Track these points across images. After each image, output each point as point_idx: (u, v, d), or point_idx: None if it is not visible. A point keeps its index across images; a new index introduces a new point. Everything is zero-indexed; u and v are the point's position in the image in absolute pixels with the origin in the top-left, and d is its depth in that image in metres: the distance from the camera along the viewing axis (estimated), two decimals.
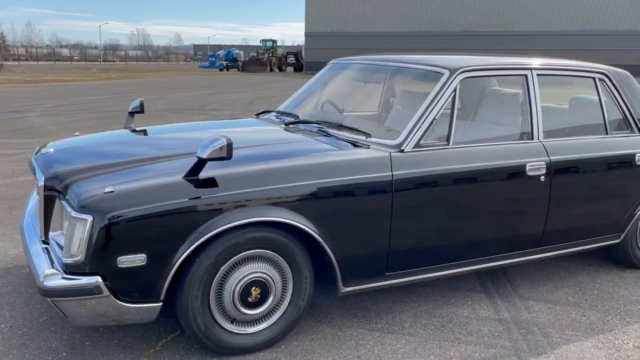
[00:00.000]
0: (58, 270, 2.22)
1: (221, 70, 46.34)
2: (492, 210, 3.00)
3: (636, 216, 3.53)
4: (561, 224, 3.23)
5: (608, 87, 3.49)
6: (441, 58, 3.19)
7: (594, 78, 3.47)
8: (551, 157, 3.11)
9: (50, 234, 2.45)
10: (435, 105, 2.86)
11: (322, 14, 39.06)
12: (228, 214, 2.33)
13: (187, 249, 2.27)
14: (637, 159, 3.42)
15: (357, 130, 2.98)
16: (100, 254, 2.17)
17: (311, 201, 2.50)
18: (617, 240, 3.54)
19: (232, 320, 2.49)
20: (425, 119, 2.83)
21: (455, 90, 2.91)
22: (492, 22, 34.89)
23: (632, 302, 3.24)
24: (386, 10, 36.94)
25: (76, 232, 2.18)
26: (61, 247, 2.33)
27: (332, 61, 3.99)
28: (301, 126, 3.25)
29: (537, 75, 3.22)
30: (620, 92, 3.52)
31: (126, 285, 2.24)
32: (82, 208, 2.18)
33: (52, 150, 2.86)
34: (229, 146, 2.27)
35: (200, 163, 2.31)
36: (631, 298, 3.30)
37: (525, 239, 3.16)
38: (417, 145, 2.79)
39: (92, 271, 2.19)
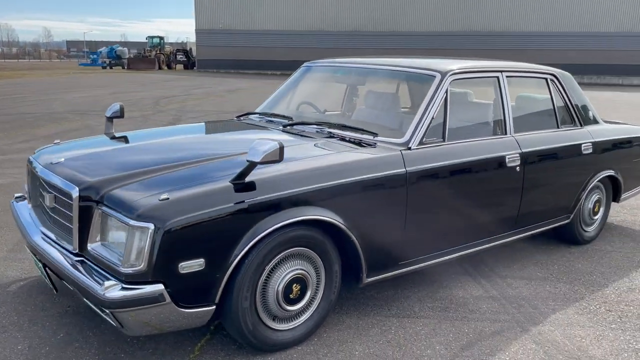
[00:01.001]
0: (115, 281, 2.18)
1: (104, 68, 44.00)
2: (483, 197, 3.34)
3: (582, 199, 4.07)
4: (530, 208, 3.65)
5: (557, 86, 3.98)
6: (430, 61, 3.46)
7: (546, 79, 3.94)
8: (523, 150, 3.51)
9: (90, 245, 2.37)
10: (432, 105, 3.12)
11: (214, 11, 38.39)
12: (276, 215, 2.42)
13: (242, 250, 2.33)
14: (583, 148, 3.94)
15: (362, 130, 3.16)
16: (162, 261, 2.17)
17: (341, 198, 2.65)
18: (567, 221, 4.05)
19: (274, 318, 2.58)
20: (426, 118, 3.08)
21: (447, 91, 3.19)
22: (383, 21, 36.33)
23: (588, 273, 3.75)
24: (282, 8, 37.17)
25: (136, 241, 2.15)
26: (102, 259, 2.28)
27: (307, 64, 4.13)
28: (300, 127, 3.35)
29: (506, 77, 3.61)
30: (566, 90, 4.03)
31: (186, 291, 2.25)
32: (141, 216, 2.16)
33: (63, 159, 2.74)
34: (281, 149, 2.36)
35: (250, 167, 2.37)
36: (586, 270, 3.81)
37: (507, 222, 3.54)
38: (421, 142, 3.04)
39: (154, 279, 2.18)
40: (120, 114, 3.57)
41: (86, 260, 2.39)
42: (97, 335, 2.72)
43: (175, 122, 10.75)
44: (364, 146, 3.02)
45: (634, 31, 33.88)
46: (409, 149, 2.98)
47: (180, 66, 45.11)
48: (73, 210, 2.40)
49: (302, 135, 3.23)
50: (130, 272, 2.17)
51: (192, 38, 44.18)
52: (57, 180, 2.54)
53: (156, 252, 2.15)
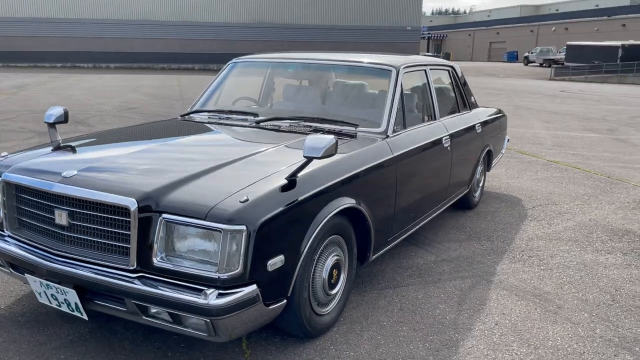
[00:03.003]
0: (204, 291, 2.12)
1: None
2: (433, 173, 3.88)
3: (478, 171, 4.87)
4: (454, 180, 4.30)
5: (453, 76, 4.68)
6: (380, 57, 3.82)
7: (448, 70, 4.60)
8: (449, 132, 4.11)
9: (156, 258, 2.22)
10: (395, 97, 3.50)
11: None
12: (326, 206, 2.58)
13: (308, 242, 2.44)
14: (476, 128, 4.72)
15: (342, 122, 3.40)
16: (255, 262, 2.18)
17: (357, 186, 2.89)
18: (467, 190, 4.81)
19: (318, 303, 2.72)
20: (393, 109, 3.45)
21: (401, 83, 3.60)
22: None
23: (493, 230, 4.55)
24: None
25: (231, 245, 2.13)
26: (182, 269, 2.19)
27: (234, 60, 4.17)
28: (275, 123, 3.44)
29: (430, 69, 4.16)
30: (459, 79, 4.76)
31: (271, 288, 2.29)
32: (233, 220, 2.13)
33: (75, 172, 2.43)
34: (336, 144, 2.50)
35: (307, 162, 2.47)
36: (490, 227, 4.61)
37: (442, 193, 4.13)
38: (393, 130, 3.40)
39: (250, 281, 2.18)
40: (64, 119, 3.22)
41: (147, 275, 2.24)
42: (136, 352, 2.55)
43: None
44: (346, 137, 3.26)
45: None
46: (388, 136, 3.32)
47: None
48: (131, 224, 2.22)
49: (283, 131, 3.33)
50: (226, 277, 2.14)
51: None
52: (99, 195, 2.28)
53: (250, 254, 2.16)
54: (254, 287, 2.19)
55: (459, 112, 4.63)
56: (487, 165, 5.38)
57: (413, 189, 3.55)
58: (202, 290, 2.13)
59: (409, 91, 3.85)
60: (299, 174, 2.48)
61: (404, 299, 3.24)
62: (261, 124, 3.45)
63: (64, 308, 2.44)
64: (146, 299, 2.19)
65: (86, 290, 2.35)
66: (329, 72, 4.00)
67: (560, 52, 45.96)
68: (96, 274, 2.28)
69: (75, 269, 2.33)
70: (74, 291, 2.33)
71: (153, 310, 2.27)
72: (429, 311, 3.09)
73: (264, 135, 3.31)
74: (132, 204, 2.21)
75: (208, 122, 3.63)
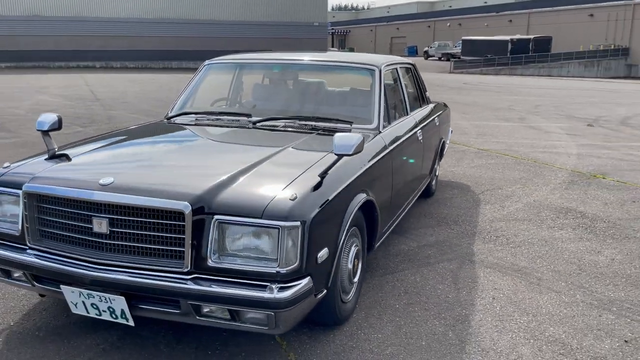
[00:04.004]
0: (269, 285, 2.23)
1: None
2: (413, 164, 4.16)
3: (436, 160, 5.23)
4: (423, 170, 4.62)
5: (414, 73, 4.99)
6: (361, 56, 4.02)
7: (410, 68, 4.90)
8: (419, 126, 4.40)
9: (211, 259, 2.27)
10: (381, 94, 3.72)
11: None
12: (353, 200, 2.75)
13: (343, 235, 2.60)
14: (435, 121, 5.07)
15: (337, 120, 3.56)
16: (309, 255, 2.31)
17: (368, 179, 3.08)
18: (429, 179, 5.15)
19: (343, 292, 2.89)
20: (380, 105, 3.67)
21: (384, 81, 3.83)
22: None
23: (457, 215, 4.92)
24: None
25: (288, 241, 2.24)
26: (240, 267, 2.27)
27: (207, 62, 4.20)
28: (270, 123, 3.54)
29: (399, 68, 4.42)
30: (418, 76, 5.08)
31: (318, 280, 2.42)
32: (289, 217, 2.24)
33: (112, 179, 2.41)
34: (363, 141, 2.67)
35: (338, 160, 2.62)
36: (453, 213, 4.98)
37: (418, 182, 4.43)
38: (383, 126, 3.63)
39: (305, 273, 2.31)
40: (58, 126, 3.13)
41: (201, 276, 2.30)
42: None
43: None
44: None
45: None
46: (380, 132, 3.54)
47: None
48: (186, 228, 2.25)
49: (281, 131, 3.44)
50: (285, 271, 2.25)
51: None
52: (151, 201, 2.28)
53: (306, 248, 2.29)
54: (308, 279, 2.32)
55: (420, 106, 4.95)
56: (440, 155, 5.77)
57: (402, 179, 3.80)
58: (264, 285, 2.23)
59: (387, 88, 4.09)
60: (329, 172, 2.62)
61: (405, 282, 3.48)
62: (258, 124, 3.53)
63: (105, 316, 2.43)
64: (207, 298, 2.25)
65: (132, 296, 2.36)
66: (315, 72, 4.14)
67: (456, 47, 48.71)
68: (149, 279, 2.30)
69: (124, 275, 2.33)
70: (122, 298, 2.33)
71: (206, 309, 2.33)
72: (431, 292, 3.35)
73: (270, 136, 3.39)
74: (186, 207, 2.25)
75: (207, 125, 3.64)
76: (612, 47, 44.43)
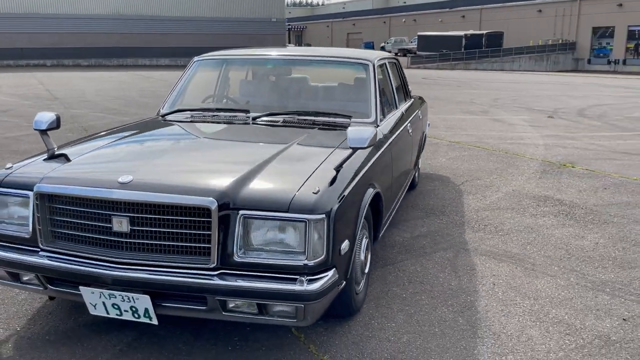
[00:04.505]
0: (299, 278, 2.25)
1: None
2: (406, 156, 4.24)
3: (420, 152, 5.34)
4: (412, 163, 4.70)
5: (398, 68, 5.07)
6: (354, 52, 4.06)
7: (395, 63, 4.98)
8: (408, 119, 4.49)
9: (238, 254, 2.27)
10: (376, 88, 3.78)
11: None
12: (367, 191, 2.80)
13: (358, 227, 2.65)
14: (418, 114, 5.17)
15: (336, 114, 3.59)
16: (334, 247, 2.34)
17: (375, 170, 3.13)
18: (414, 171, 5.26)
19: (356, 282, 2.93)
20: (377, 100, 3.73)
21: (377, 75, 3.89)
22: None
23: (442, 206, 5.04)
24: None
25: (314, 234, 2.26)
26: (267, 261, 2.28)
27: (196, 59, 4.16)
28: (268, 118, 3.54)
29: (387, 63, 4.49)
30: (402, 70, 5.16)
31: (341, 271, 2.46)
32: (314, 210, 2.26)
33: (131, 177, 2.37)
34: (376, 134, 2.71)
35: (352, 153, 2.65)
36: (439, 204, 5.10)
37: (408, 174, 4.52)
38: (380, 120, 3.69)
39: (330, 265, 2.34)
40: (56, 125, 3.06)
41: (227, 271, 2.30)
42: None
43: None
44: (340, 128, 3.48)
45: None
46: (378, 125, 3.60)
47: None
48: (212, 224, 2.25)
49: (282, 126, 3.45)
50: (313, 264, 2.27)
51: None
52: (176, 198, 2.25)
53: (331, 240, 2.32)
54: (334, 270, 2.35)
55: (405, 100, 5.03)
56: (422, 148, 5.89)
57: (397, 171, 3.87)
58: (292, 278, 2.25)
59: (380, 83, 4.15)
60: (344, 165, 2.66)
61: (406, 272, 3.55)
62: (258, 120, 3.53)
63: (127, 316, 2.40)
64: (237, 293, 2.25)
65: (157, 294, 2.34)
66: (309, 67, 4.16)
67: (412, 42, 49.42)
68: (175, 276, 2.28)
69: (148, 274, 2.30)
70: (147, 297, 2.31)
71: (231, 304, 2.33)
72: (433, 280, 3.44)
73: (273, 132, 3.40)
74: (212, 203, 2.24)
75: (207, 121, 3.61)
76: (560, 41, 46.05)
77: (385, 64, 4.38)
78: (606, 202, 5.17)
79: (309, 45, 58.42)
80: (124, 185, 2.34)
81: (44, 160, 2.83)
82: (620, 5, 42.46)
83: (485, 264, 3.70)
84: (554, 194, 5.44)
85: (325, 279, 2.30)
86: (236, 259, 2.29)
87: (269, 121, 3.52)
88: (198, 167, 2.66)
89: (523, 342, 2.73)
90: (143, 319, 2.39)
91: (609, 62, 44.38)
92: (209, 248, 2.28)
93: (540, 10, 47.62)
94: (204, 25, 35.58)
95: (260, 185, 2.41)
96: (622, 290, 3.32)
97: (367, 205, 2.76)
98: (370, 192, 2.87)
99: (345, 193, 2.52)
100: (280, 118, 3.54)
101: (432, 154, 7.40)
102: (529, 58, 43.67)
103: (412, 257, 3.80)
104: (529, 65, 42.82)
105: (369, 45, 52.70)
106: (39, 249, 2.50)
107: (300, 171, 2.58)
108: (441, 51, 41.63)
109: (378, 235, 3.35)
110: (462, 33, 44.25)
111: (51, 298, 2.98)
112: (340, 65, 4.07)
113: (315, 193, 2.34)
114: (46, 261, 2.44)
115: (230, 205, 2.29)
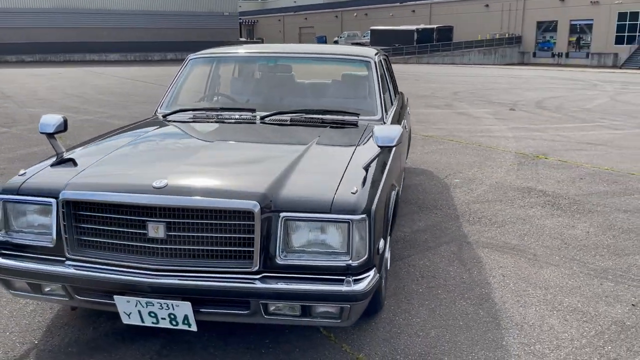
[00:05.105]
0: (346, 279, 2.24)
1: None
2: (404, 150, 4.27)
3: (409, 147, 5.40)
4: (406, 158, 4.76)
5: (388, 64, 5.11)
6: (353, 48, 4.06)
7: (385, 59, 5.01)
8: (404, 114, 4.54)
9: (280, 257, 2.24)
10: (379, 85, 3.80)
11: None
12: (393, 190, 2.82)
13: (388, 226, 2.66)
14: (408, 110, 5.24)
15: (344, 112, 3.59)
16: (374, 246, 2.35)
17: (392, 169, 3.15)
18: (405, 165, 5.31)
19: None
20: (382, 97, 3.75)
21: (379, 72, 3.91)
22: None
23: (435, 200, 5.13)
24: None
25: (356, 234, 2.26)
26: (310, 263, 2.26)
27: (191, 56, 4.07)
28: (278, 118, 3.50)
29: (383, 59, 4.52)
30: (391, 67, 5.21)
31: (378, 269, 2.47)
32: (355, 211, 2.25)
33: (166, 181, 2.29)
34: (403, 133, 2.72)
35: (380, 152, 2.66)
36: (430, 199, 5.18)
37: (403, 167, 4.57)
38: (385, 117, 3.71)
39: (372, 265, 2.34)
40: (63, 128, 2.93)
41: (269, 275, 2.27)
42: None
43: None
44: (350, 126, 3.48)
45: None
46: (384, 122, 3.62)
47: None
48: (255, 227, 2.21)
49: (293, 125, 3.42)
50: (356, 264, 2.27)
51: None
52: (218, 202, 2.20)
53: (373, 240, 2.32)
54: (374, 270, 2.36)
55: (395, 96, 5.08)
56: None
57: (399, 169, 3.91)
58: (338, 279, 2.24)
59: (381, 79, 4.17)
60: (371, 164, 2.66)
61: (417, 267, 3.60)
62: (266, 119, 3.48)
63: (163, 324, 2.33)
64: (282, 296, 2.23)
65: (197, 300, 2.29)
66: (311, 65, 4.13)
67: (364, 36, 49.79)
68: (217, 281, 2.24)
69: (189, 280, 2.25)
70: (188, 303, 2.25)
71: (272, 307, 2.30)
72: (445, 274, 3.50)
73: (287, 131, 3.36)
74: (255, 206, 2.21)
75: (220, 121, 3.52)
76: (507, 35, 47.49)
77: (382, 60, 4.41)
78: (586, 192, 5.38)
79: (261, 39, 57.93)
80: (159, 190, 2.27)
81: (57, 164, 2.71)
82: (563, 0, 44.15)
83: (490, 256, 3.79)
84: (536, 185, 5.62)
85: (369, 278, 2.30)
86: (278, 261, 2.27)
87: (277, 120, 3.48)
88: (230, 169, 2.60)
89: (546, 332, 2.82)
90: (181, 326, 2.33)
91: (552, 55, 46.12)
92: (252, 252, 2.25)
93: (487, 5, 48.91)
94: (156, 19, 34.71)
95: (297, 186, 2.38)
96: (623, 277, 3.47)
97: (393, 204, 2.77)
98: (395, 189, 2.89)
99: (379, 192, 2.52)
100: (287, 117, 3.51)
101: (410, 148, 7.49)
102: (478, 52, 44.82)
103: (418, 252, 3.85)
104: (478, 58, 43.96)
105: (322, 40, 52.82)
106: (65, 258, 2.39)
107: (331, 171, 2.56)
108: (394, 45, 42.13)
109: (391, 233, 3.37)
110: (414, 27, 44.96)
111: (73, 308, 2.86)
112: (342, 62, 4.07)
113: (354, 193, 2.34)
114: (75, 271, 2.34)
115: (271, 207, 2.26)
